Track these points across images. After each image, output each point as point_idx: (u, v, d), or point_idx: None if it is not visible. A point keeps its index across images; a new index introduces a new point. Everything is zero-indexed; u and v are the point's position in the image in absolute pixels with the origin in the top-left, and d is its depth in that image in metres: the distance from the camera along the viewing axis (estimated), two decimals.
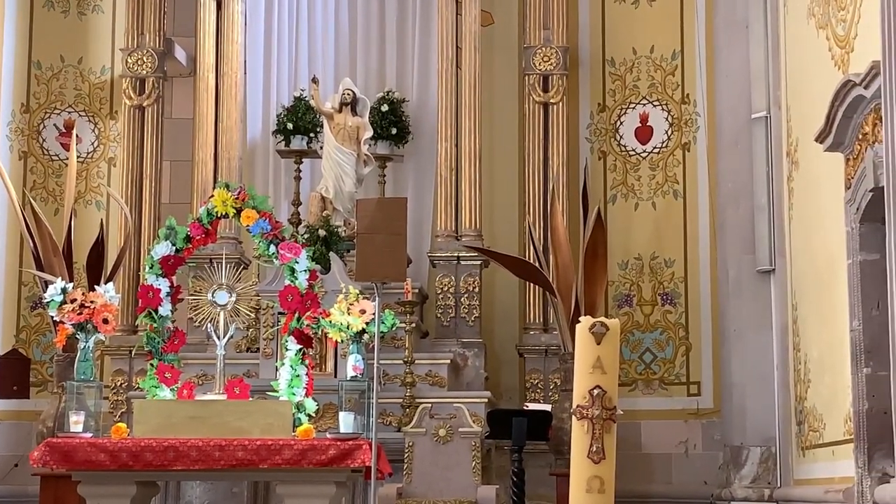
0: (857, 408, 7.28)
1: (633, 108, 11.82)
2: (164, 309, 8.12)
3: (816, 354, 8.75)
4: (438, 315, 10.97)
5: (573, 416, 5.46)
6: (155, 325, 8.09)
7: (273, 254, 8.14)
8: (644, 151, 11.76)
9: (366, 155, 11.08)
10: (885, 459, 6.95)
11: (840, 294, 7.67)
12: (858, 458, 7.23)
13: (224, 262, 8.22)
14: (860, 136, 7.19)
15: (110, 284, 8.21)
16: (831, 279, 8.09)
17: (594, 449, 5.30)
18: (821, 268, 8.52)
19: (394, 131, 11.44)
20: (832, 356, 8.14)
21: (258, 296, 9.91)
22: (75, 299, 7.73)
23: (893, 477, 5.99)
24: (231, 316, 7.97)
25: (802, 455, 9.25)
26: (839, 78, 7.46)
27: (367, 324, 7.85)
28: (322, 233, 10.62)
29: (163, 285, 8.13)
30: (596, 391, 5.35)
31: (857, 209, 7.29)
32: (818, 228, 8.58)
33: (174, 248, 8.19)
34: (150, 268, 8.18)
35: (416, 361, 10.15)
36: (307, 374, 7.95)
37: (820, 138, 7.79)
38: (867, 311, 7.19)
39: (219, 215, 8.24)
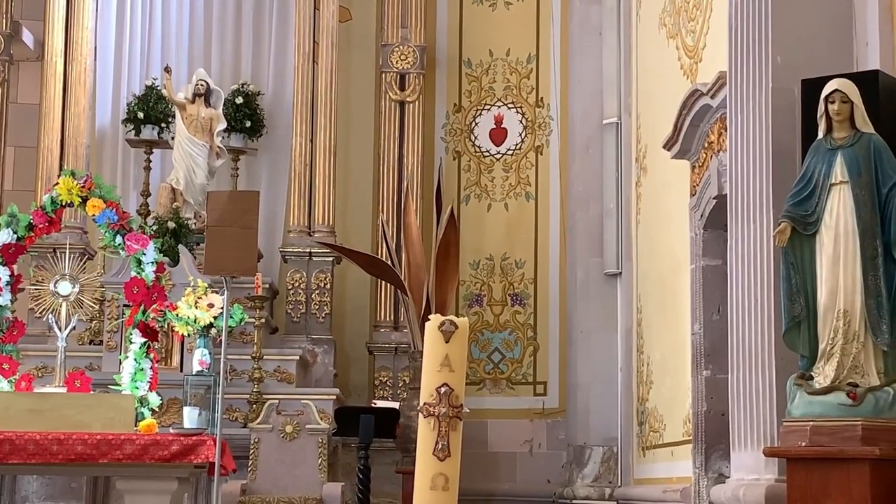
0: (695, 409, 7.46)
1: (489, 109, 11.92)
2: (4, 298, 7.87)
3: (659, 356, 8.94)
4: (289, 311, 10.89)
5: (420, 414, 5.48)
6: None
7: (119, 245, 7.96)
8: (498, 153, 11.86)
9: (218, 147, 10.94)
10: (721, 460, 7.13)
11: (683, 298, 7.85)
12: (696, 458, 7.41)
13: (68, 251, 8.02)
14: (706, 145, 7.38)
15: None
16: (675, 283, 8.27)
17: (440, 446, 5.33)
18: (665, 272, 8.71)
19: (248, 124, 11.32)
20: (674, 358, 8.33)
21: (103, 287, 9.70)
22: None
23: (729, 477, 6.16)
24: (74, 307, 7.77)
25: (643, 455, 9.45)
26: (687, 87, 7.64)
27: (214, 318, 7.74)
28: (171, 225, 10.45)
29: (3, 274, 7.89)
30: (443, 389, 5.37)
31: (702, 216, 7.47)
32: (664, 233, 8.78)
33: (16, 235, 7.95)
34: None
35: (265, 357, 10.06)
36: (152, 368, 7.80)
37: (667, 145, 7.96)
38: (708, 315, 7.37)
39: (63, 204, 8.02)
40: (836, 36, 5.54)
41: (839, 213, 4.91)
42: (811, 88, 5.17)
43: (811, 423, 4.82)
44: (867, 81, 5.07)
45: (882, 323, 4.80)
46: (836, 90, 4.98)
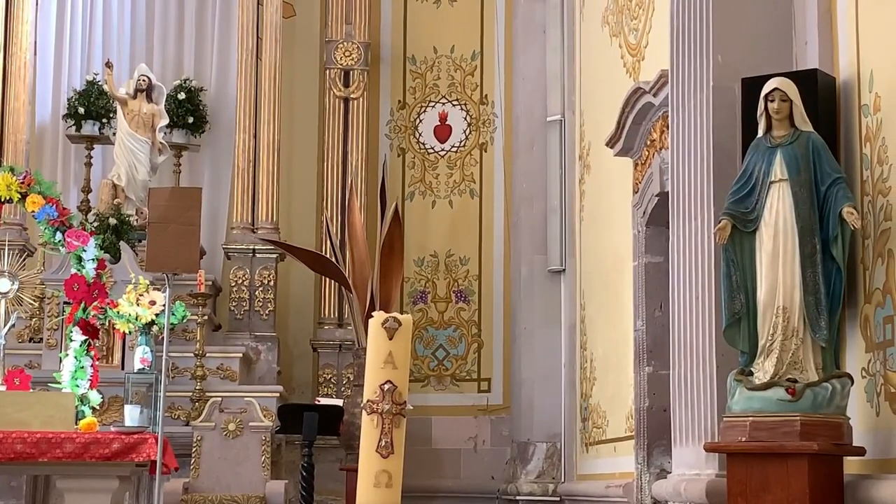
0: (638, 405, 7.52)
1: (433, 106, 11.93)
2: None
3: (602, 353, 8.99)
4: (232, 308, 10.84)
5: (363, 411, 5.47)
6: None
7: (59, 241, 7.88)
8: (442, 150, 11.87)
9: (161, 143, 10.86)
10: (663, 456, 7.19)
11: (626, 295, 7.90)
12: (638, 454, 7.47)
13: (7, 248, 7.93)
14: (648, 143, 7.43)
15: None
16: (618, 280, 8.32)
17: (383, 443, 5.33)
18: (608, 269, 8.76)
19: (190, 120, 11.24)
20: (617, 355, 8.38)
21: (43, 284, 9.59)
22: None
23: (670, 473, 6.20)
24: (13, 304, 7.69)
25: (586, 451, 9.50)
26: (630, 85, 7.69)
27: (156, 315, 7.69)
28: (113, 221, 10.35)
29: None
30: (387, 386, 5.37)
31: (644, 213, 7.52)
32: (607, 230, 8.83)
33: None
34: None
35: (208, 354, 10.01)
36: (92, 366, 7.73)
37: (610, 143, 8.01)
38: (650, 311, 7.43)
39: (2, 200, 7.92)
40: (776, 35, 5.60)
41: (779, 211, 4.95)
42: (751, 87, 5.22)
43: (751, 418, 4.86)
44: (806, 80, 5.13)
45: (820, 319, 4.85)
46: (775, 89, 5.03)
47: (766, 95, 5.05)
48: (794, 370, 4.88)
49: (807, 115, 5.03)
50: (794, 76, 5.13)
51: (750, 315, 4.99)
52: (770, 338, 4.91)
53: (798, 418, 4.77)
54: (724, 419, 5.03)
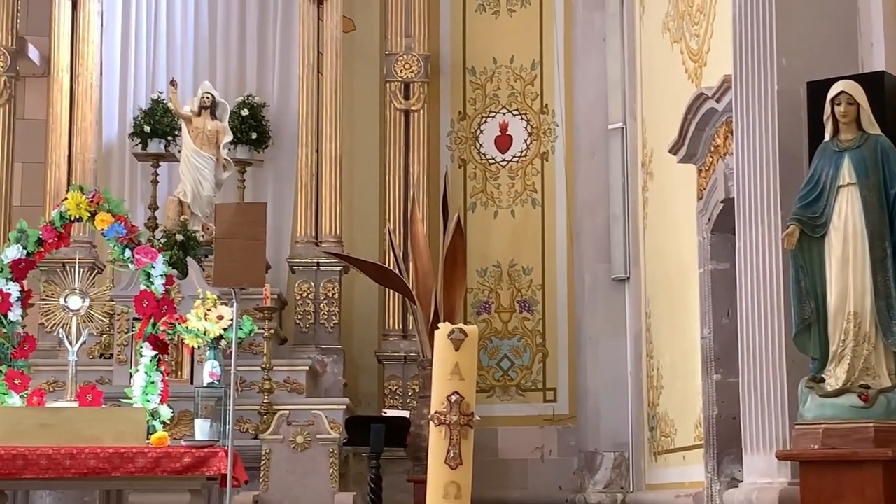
0: (706, 413, 7.46)
1: (493, 116, 11.93)
2: (14, 314, 7.91)
3: (668, 361, 8.93)
4: (297, 321, 10.90)
5: (431, 423, 5.48)
6: (4, 330, 7.88)
7: (128, 258, 7.99)
8: (503, 160, 11.87)
9: (225, 159, 10.97)
10: (733, 464, 7.13)
11: (692, 302, 7.85)
12: (708, 462, 7.41)
13: (77, 266, 8.05)
14: (712, 149, 7.39)
15: None
16: (683, 288, 8.27)
17: (451, 455, 5.33)
18: (673, 276, 8.71)
19: (254, 136, 11.33)
20: (684, 363, 8.32)
21: (112, 301, 9.72)
22: None
23: (741, 481, 6.15)
24: (84, 321, 7.80)
25: (654, 460, 9.44)
26: (692, 91, 7.65)
27: (224, 330, 7.77)
28: (179, 237, 10.47)
29: (13, 289, 7.92)
30: (454, 397, 5.37)
31: (709, 219, 7.47)
32: (671, 238, 8.78)
33: (25, 251, 7.99)
34: (0, 272, 7.95)
35: (275, 368, 10.07)
36: (162, 381, 7.83)
37: (673, 150, 7.97)
38: (717, 319, 7.37)
39: (72, 218, 8.05)
40: (841, 37, 5.55)
41: (847, 215, 4.91)
42: (817, 90, 5.18)
43: (823, 425, 4.82)
44: (873, 82, 5.08)
45: (892, 324, 4.80)
46: (841, 92, 4.99)
47: (833, 99, 5.01)
48: (867, 376, 4.83)
49: (874, 118, 4.98)
50: (861, 79, 5.09)
51: (820, 321, 4.95)
52: (841, 344, 4.86)
53: (871, 425, 4.72)
54: (796, 427, 4.98)
